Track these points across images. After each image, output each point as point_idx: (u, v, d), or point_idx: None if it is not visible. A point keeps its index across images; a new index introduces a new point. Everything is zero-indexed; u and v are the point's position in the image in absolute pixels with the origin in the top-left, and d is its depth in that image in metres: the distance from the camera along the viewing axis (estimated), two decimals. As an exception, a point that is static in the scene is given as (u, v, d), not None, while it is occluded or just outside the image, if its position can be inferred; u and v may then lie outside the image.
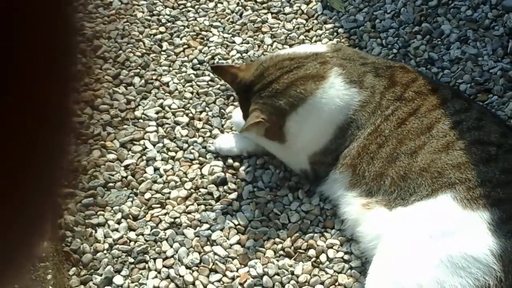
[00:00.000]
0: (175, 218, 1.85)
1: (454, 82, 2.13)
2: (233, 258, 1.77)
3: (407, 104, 1.76)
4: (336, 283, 1.71)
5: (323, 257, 1.76)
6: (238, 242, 1.81)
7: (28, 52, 0.41)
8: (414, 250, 1.55)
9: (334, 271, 1.73)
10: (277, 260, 1.76)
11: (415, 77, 1.83)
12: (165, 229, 1.83)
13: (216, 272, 1.75)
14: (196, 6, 2.48)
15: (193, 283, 1.73)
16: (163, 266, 1.76)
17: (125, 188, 1.92)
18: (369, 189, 1.71)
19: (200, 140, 2.05)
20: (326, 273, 1.73)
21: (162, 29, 2.39)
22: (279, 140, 1.83)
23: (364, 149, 1.74)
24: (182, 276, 1.74)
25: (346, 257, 1.76)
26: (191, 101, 2.16)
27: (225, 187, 1.92)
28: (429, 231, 1.55)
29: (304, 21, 2.42)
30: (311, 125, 1.79)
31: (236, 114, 2.03)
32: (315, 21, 2.41)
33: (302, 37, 2.36)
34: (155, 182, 1.94)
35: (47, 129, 0.45)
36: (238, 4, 2.49)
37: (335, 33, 2.38)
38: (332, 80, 1.79)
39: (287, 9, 2.47)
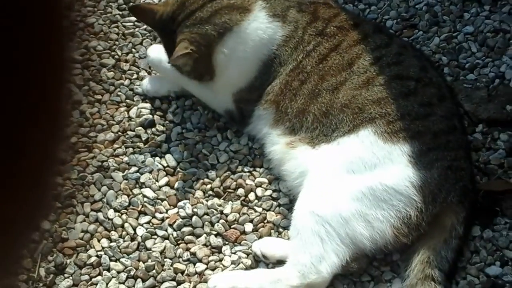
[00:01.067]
0: (102, 161, 1.84)
1: (381, 18, 2.14)
2: (162, 200, 1.77)
3: (328, 40, 1.76)
4: (265, 221, 1.73)
5: (251, 196, 1.77)
6: (167, 184, 1.80)
7: None
8: (336, 184, 1.57)
9: (263, 209, 1.75)
10: (207, 200, 1.77)
11: (337, 12, 1.83)
12: (92, 173, 1.81)
13: (145, 214, 1.75)
14: None
15: (122, 226, 1.72)
16: (91, 210, 1.75)
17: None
18: (292, 126, 1.72)
19: (127, 82, 2.02)
20: (255, 211, 1.75)
21: (85, -32, 2.31)
22: (208, 74, 1.80)
23: (286, 85, 1.74)
24: (111, 219, 1.73)
25: (274, 195, 1.77)
26: (117, 43, 2.12)
27: (153, 129, 1.91)
28: (351, 165, 1.58)
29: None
30: (237, 58, 1.77)
31: (152, 50, 1.98)
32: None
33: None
34: (81, 125, 1.91)
35: None
36: None
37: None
38: (256, 13, 1.77)
39: None
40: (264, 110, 1.78)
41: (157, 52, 1.94)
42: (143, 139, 1.89)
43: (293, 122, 1.72)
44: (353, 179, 1.56)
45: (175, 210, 1.75)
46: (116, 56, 2.08)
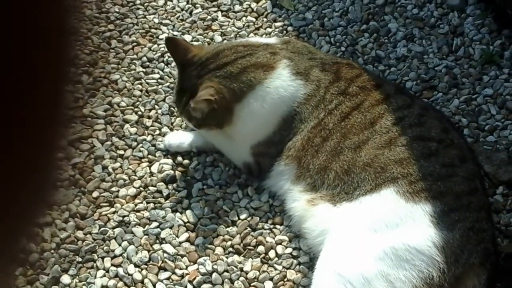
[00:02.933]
0: (123, 216, 1.84)
1: (401, 79, 2.17)
2: (182, 256, 1.77)
3: (350, 99, 1.79)
4: (285, 279, 1.73)
5: (272, 253, 1.77)
6: (188, 240, 1.81)
7: None
8: (358, 244, 1.57)
9: (283, 267, 1.75)
10: (227, 257, 1.77)
11: (359, 73, 1.86)
12: (113, 228, 1.82)
13: (165, 270, 1.74)
14: (146, 4, 2.47)
15: (142, 281, 1.72)
16: (112, 264, 1.75)
17: (73, 187, 1.90)
18: (314, 182, 1.73)
19: (149, 138, 2.04)
20: (275, 269, 1.75)
21: (111, 26, 2.37)
22: (222, 123, 1.84)
23: (308, 142, 1.77)
24: (131, 275, 1.73)
25: (294, 253, 1.77)
26: (140, 99, 2.15)
27: (174, 184, 1.92)
28: (373, 225, 1.58)
29: (254, 19, 2.43)
30: (256, 114, 1.81)
31: (171, 137, 2.02)
32: (265, 19, 2.43)
33: (252, 35, 2.37)
34: (103, 180, 1.93)
35: None
36: (187, 2, 2.49)
37: (284, 31, 2.39)
38: (280, 71, 1.82)
39: (237, 7, 2.47)
40: (286, 166, 1.79)
41: (176, 139, 2.01)
42: (164, 194, 1.90)
43: (315, 178, 1.73)
44: (375, 239, 1.56)
45: (195, 266, 1.75)
46: (139, 112, 2.11)
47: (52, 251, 1.76)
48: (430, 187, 1.61)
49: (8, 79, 0.43)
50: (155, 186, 1.92)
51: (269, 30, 2.38)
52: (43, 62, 0.46)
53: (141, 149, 2.01)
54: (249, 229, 1.82)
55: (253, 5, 2.48)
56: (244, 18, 2.44)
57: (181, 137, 2.00)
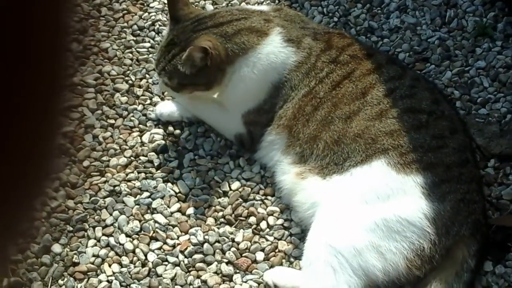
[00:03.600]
0: (114, 186, 1.84)
1: (393, 51, 2.16)
2: (173, 226, 1.77)
3: (341, 67, 1.79)
4: (276, 250, 1.73)
5: (263, 224, 1.77)
6: (179, 210, 1.80)
7: None
8: (349, 215, 1.58)
9: (274, 238, 1.75)
10: (218, 228, 1.77)
11: (351, 42, 1.86)
12: (104, 197, 1.81)
13: (157, 240, 1.74)
14: (136, -29, 2.43)
15: (133, 251, 1.72)
16: (103, 234, 1.75)
17: (63, 156, 1.89)
18: (302, 152, 1.73)
19: (140, 107, 2.03)
20: (267, 240, 1.75)
21: (101, -7, 2.34)
22: (212, 83, 1.80)
23: (299, 110, 1.76)
24: (122, 244, 1.73)
25: (286, 224, 1.77)
26: (130, 68, 2.13)
27: (166, 155, 1.91)
28: (364, 196, 1.58)
29: (245, -12, 2.40)
30: (247, 79, 1.79)
31: (163, 106, 2.00)
32: (257, -12, 2.40)
33: (243, 4, 2.34)
34: (94, 149, 1.92)
35: None
36: (179, -31, 2.44)
37: (276, 0, 2.37)
38: (272, 38, 1.81)
39: (229, -24, 2.44)
40: (277, 135, 1.79)
41: (166, 107, 2.00)
42: (156, 164, 1.89)
43: (304, 148, 1.73)
44: (366, 210, 1.56)
45: (187, 236, 1.75)
46: (130, 81, 2.09)
47: (43, 220, 1.75)
48: (420, 158, 1.61)
49: None
50: (146, 156, 1.91)
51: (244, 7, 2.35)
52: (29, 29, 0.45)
53: (132, 118, 2.00)
54: (240, 200, 1.82)
55: (245, -27, 2.44)
56: (236, -13, 2.41)
57: (172, 107, 1.99)
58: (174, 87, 1.83)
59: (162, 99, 2.05)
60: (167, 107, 1.99)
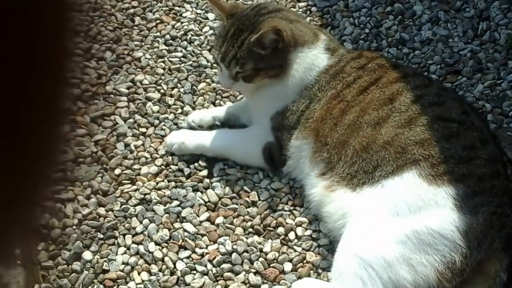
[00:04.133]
0: (145, 194, 1.85)
1: (425, 63, 2.15)
2: (202, 235, 1.78)
3: (369, 74, 1.82)
4: (304, 261, 1.73)
5: (291, 235, 1.78)
6: (208, 219, 1.81)
7: None
8: (380, 227, 1.57)
9: (303, 249, 1.75)
10: (246, 238, 1.77)
11: (379, 56, 1.93)
12: (135, 205, 1.83)
13: (186, 248, 1.75)
14: (169, -19, 2.46)
15: (162, 260, 1.73)
16: (133, 242, 1.77)
17: (95, 164, 1.92)
18: (330, 158, 1.73)
19: (171, 116, 2.05)
20: (295, 250, 1.75)
21: (134, 3, 2.37)
22: (283, 66, 1.82)
23: (327, 113, 1.78)
24: (152, 253, 1.74)
25: (314, 235, 1.78)
26: (163, 77, 2.15)
27: (196, 164, 1.93)
28: (395, 208, 1.58)
29: (277, -1, 2.41)
30: (291, 74, 1.83)
31: (194, 114, 2.02)
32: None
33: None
34: (125, 158, 1.94)
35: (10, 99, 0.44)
36: (211, -21, 2.47)
37: (308, 12, 2.38)
38: (320, 43, 1.88)
39: (261, -14, 2.46)
40: (303, 139, 1.80)
41: (200, 115, 2.02)
42: (186, 173, 1.91)
43: (331, 153, 1.73)
44: (398, 222, 1.56)
45: (215, 246, 1.76)
46: (162, 91, 2.11)
47: (74, 227, 1.78)
48: (452, 169, 1.60)
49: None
50: (176, 165, 1.92)
51: (293, 10, 2.37)
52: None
53: (163, 127, 2.02)
54: (269, 210, 1.83)
55: (277, -16, 2.46)
56: (268, -3, 2.42)
57: (203, 112, 2.02)
58: (247, 75, 1.82)
59: (193, 108, 2.07)
60: (198, 117, 2.01)
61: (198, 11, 2.37)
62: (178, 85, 2.13)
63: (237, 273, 1.71)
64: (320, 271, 1.71)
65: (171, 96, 2.10)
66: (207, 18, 2.35)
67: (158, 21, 2.32)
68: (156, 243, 1.76)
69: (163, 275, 1.71)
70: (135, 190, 1.87)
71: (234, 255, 1.73)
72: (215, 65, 2.13)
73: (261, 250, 1.75)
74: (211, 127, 2.00)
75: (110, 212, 1.82)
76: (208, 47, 2.26)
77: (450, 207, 1.56)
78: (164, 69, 2.18)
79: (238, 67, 1.81)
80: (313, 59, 1.84)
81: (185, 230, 1.79)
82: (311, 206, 1.79)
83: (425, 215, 1.55)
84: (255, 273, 1.71)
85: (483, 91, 2.05)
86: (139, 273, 1.71)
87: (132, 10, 2.34)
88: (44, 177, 0.52)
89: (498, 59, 2.13)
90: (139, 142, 1.98)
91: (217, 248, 1.75)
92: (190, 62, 2.19)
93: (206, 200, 1.85)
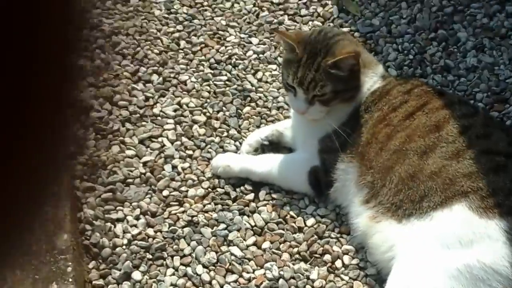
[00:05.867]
0: (192, 216, 1.87)
1: (470, 90, 2.16)
2: (249, 259, 1.79)
3: (415, 99, 1.83)
4: (352, 290, 1.73)
5: (338, 263, 1.78)
6: (255, 244, 1.83)
7: (39, 48, 0.41)
8: (430, 261, 1.55)
9: (350, 277, 1.75)
10: (293, 264, 1.78)
11: (425, 83, 1.99)
12: (182, 227, 1.85)
13: (233, 272, 1.77)
14: (213, 6, 2.49)
15: (210, 283, 1.74)
16: (181, 264, 1.78)
17: (144, 185, 1.94)
18: (373, 182, 1.72)
19: (217, 139, 2.07)
20: (342, 279, 1.75)
21: (179, 27, 2.40)
22: (358, 87, 1.86)
23: (373, 136, 1.79)
24: (199, 275, 1.76)
25: (361, 264, 1.77)
26: (208, 100, 2.18)
27: (242, 187, 1.94)
28: (446, 241, 1.56)
29: (320, 24, 2.43)
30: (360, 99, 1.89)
31: (251, 137, 2.05)
32: (331, 24, 2.43)
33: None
34: (173, 179, 1.96)
35: (60, 122, 0.45)
36: (254, 4, 2.50)
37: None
38: (375, 69, 1.92)
39: (303, 11, 2.48)
40: (349, 163, 1.80)
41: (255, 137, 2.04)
42: (232, 196, 1.92)
43: (375, 177, 1.73)
44: (449, 256, 1.54)
45: (262, 271, 1.77)
46: (207, 114, 2.14)
47: (124, 247, 1.80)
48: (502, 202, 1.59)
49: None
50: (223, 188, 1.94)
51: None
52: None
53: (209, 150, 2.04)
54: (315, 236, 1.83)
55: (320, 9, 2.48)
56: (310, 22, 2.45)
57: (249, 142, 2.03)
58: (325, 99, 1.83)
59: (239, 132, 2.09)
60: (244, 143, 2.03)
61: (242, 35, 2.40)
62: (224, 108, 2.15)
63: (284, 299, 1.71)
64: (367, 299, 1.71)
65: (217, 119, 2.13)
66: (250, 43, 2.38)
67: (202, 45, 2.35)
68: (204, 266, 1.77)
69: (211, 298, 1.72)
70: (183, 212, 1.88)
71: (281, 281, 1.74)
72: (282, 91, 2.14)
73: (308, 277, 1.75)
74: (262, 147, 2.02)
75: (158, 233, 1.84)
76: (253, 71, 2.28)
77: (503, 241, 1.54)
78: (209, 92, 2.20)
79: (317, 90, 1.82)
80: (375, 81, 1.90)
81: (232, 254, 1.80)
82: (357, 235, 1.78)
83: (477, 249, 1.53)
84: (302, 300, 1.71)
85: (530, 121, 2.04)
86: (187, 296, 1.72)
87: (177, 34, 2.37)
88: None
89: (545, 88, 2.12)
90: (186, 165, 2.00)
91: (264, 274, 1.76)
92: (235, 86, 2.21)
93: (253, 224, 1.86)
